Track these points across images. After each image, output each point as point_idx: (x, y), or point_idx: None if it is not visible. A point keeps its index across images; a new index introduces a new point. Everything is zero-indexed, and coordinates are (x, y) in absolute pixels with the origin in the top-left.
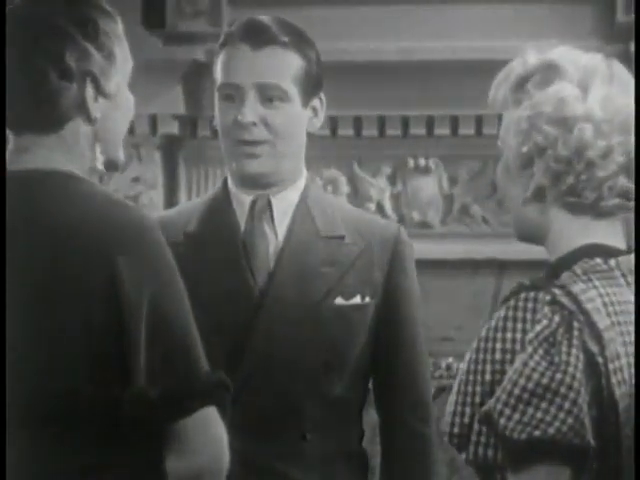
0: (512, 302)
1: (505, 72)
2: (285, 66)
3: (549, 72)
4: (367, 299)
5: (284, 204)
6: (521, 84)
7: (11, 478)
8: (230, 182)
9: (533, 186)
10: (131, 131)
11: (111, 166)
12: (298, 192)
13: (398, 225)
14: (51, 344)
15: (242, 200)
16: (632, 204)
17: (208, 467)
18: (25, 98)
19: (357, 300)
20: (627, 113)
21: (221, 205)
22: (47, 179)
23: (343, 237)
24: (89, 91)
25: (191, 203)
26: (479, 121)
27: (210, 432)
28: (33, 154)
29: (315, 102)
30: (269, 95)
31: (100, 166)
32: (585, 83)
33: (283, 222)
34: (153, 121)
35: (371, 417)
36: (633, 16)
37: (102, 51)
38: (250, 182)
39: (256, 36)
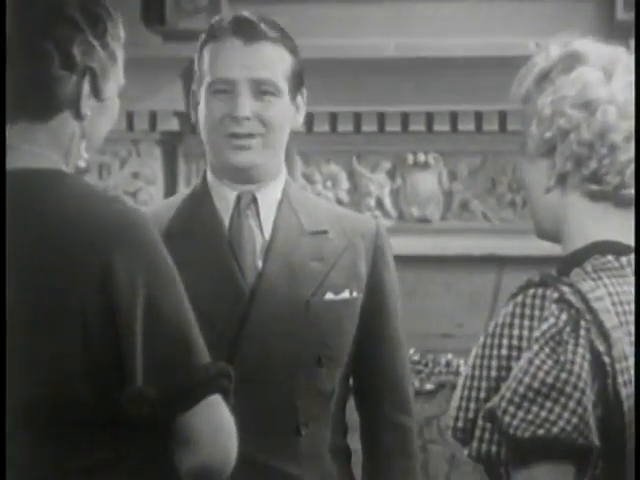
0: (520, 298)
1: (528, 67)
2: (277, 61)
3: (572, 60)
4: (355, 294)
5: (268, 200)
6: (545, 76)
7: (13, 478)
8: (210, 178)
9: (556, 172)
10: (130, 127)
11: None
12: (280, 188)
13: (376, 219)
14: (47, 344)
15: (225, 196)
16: None
17: (215, 457)
18: (24, 80)
19: (346, 295)
20: None
21: (202, 201)
22: (36, 177)
23: (326, 232)
24: (85, 87)
25: (167, 201)
26: (479, 117)
27: (215, 422)
28: (22, 151)
29: (298, 98)
30: (262, 89)
31: (83, 164)
32: (608, 69)
33: (268, 218)
34: (153, 117)
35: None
36: (633, 14)
37: (106, 51)
38: (238, 175)
39: (247, 31)
